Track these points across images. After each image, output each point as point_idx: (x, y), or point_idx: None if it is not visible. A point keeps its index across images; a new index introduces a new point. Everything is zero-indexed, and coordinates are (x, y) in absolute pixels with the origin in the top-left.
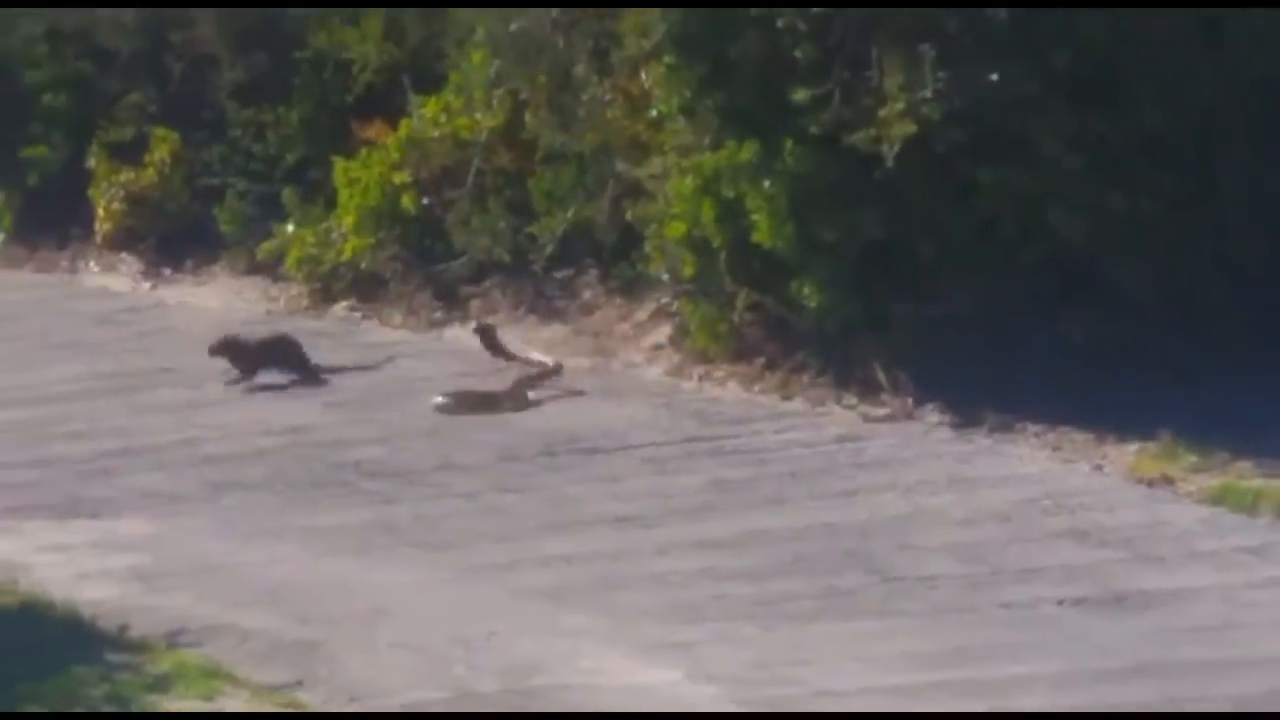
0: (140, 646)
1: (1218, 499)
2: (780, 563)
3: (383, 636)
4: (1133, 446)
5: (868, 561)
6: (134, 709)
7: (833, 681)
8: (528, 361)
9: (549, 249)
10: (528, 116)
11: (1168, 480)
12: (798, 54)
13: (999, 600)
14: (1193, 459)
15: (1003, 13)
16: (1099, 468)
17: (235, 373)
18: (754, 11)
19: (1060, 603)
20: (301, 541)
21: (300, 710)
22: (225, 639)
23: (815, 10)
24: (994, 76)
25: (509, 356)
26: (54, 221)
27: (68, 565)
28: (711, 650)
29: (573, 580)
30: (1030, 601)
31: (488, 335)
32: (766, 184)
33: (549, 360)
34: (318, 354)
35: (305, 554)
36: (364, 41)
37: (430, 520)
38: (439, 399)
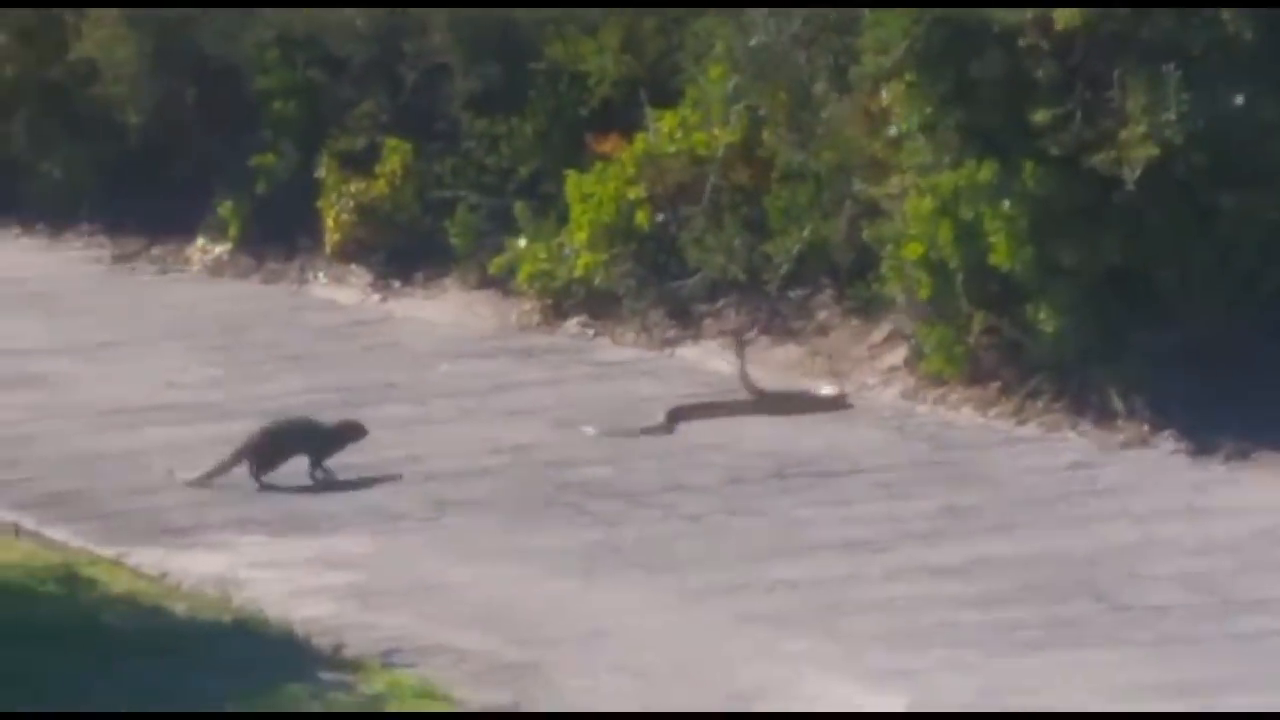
0: (354, 665)
1: None
2: (1009, 590)
3: (602, 659)
4: None
5: (1097, 590)
6: None
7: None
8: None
9: (784, 268)
10: (765, 133)
11: None
12: (1039, 73)
13: (1229, 632)
14: None
15: (1249, 32)
16: None
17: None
18: (996, 29)
19: None
20: (523, 562)
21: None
22: (441, 659)
23: (1058, 29)
24: (1239, 99)
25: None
26: (282, 231)
27: (283, 581)
28: (937, 678)
29: (798, 605)
30: (1261, 633)
31: (739, 340)
32: (1005, 205)
33: (832, 390)
34: (547, 368)
35: (526, 574)
36: (601, 54)
37: (655, 542)
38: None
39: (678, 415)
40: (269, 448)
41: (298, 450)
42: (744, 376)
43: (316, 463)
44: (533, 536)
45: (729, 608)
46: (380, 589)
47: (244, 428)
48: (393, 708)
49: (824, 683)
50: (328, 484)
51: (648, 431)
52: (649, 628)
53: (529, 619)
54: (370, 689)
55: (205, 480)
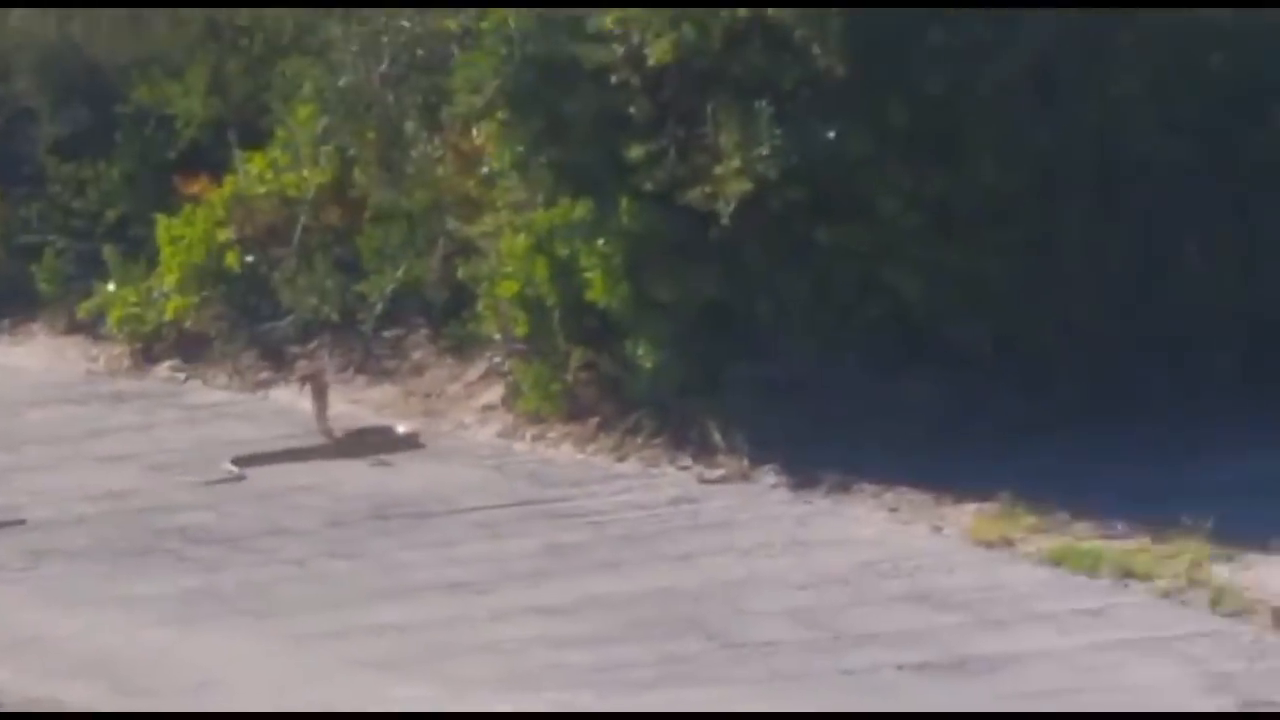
0: None
1: (1058, 560)
2: (617, 629)
3: (209, 707)
4: (971, 507)
5: (705, 627)
6: None
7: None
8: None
9: (378, 308)
10: (356, 173)
11: (1007, 542)
12: (632, 110)
13: (839, 666)
14: (1032, 520)
15: (840, 69)
16: (938, 529)
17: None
18: (588, 67)
19: (900, 668)
20: (124, 610)
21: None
22: (43, 711)
23: (649, 65)
24: (831, 134)
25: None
26: None
27: None
28: None
29: (406, 649)
30: (870, 667)
31: (317, 383)
32: (601, 242)
33: (402, 428)
34: (139, 413)
35: (129, 623)
36: (187, 95)
37: (258, 587)
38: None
39: (250, 462)
40: None
41: None
42: (320, 419)
43: None
44: (133, 584)
45: (337, 653)
46: None
47: None
48: None
49: None
50: None
51: (221, 481)
52: (256, 676)
53: (134, 669)
54: None
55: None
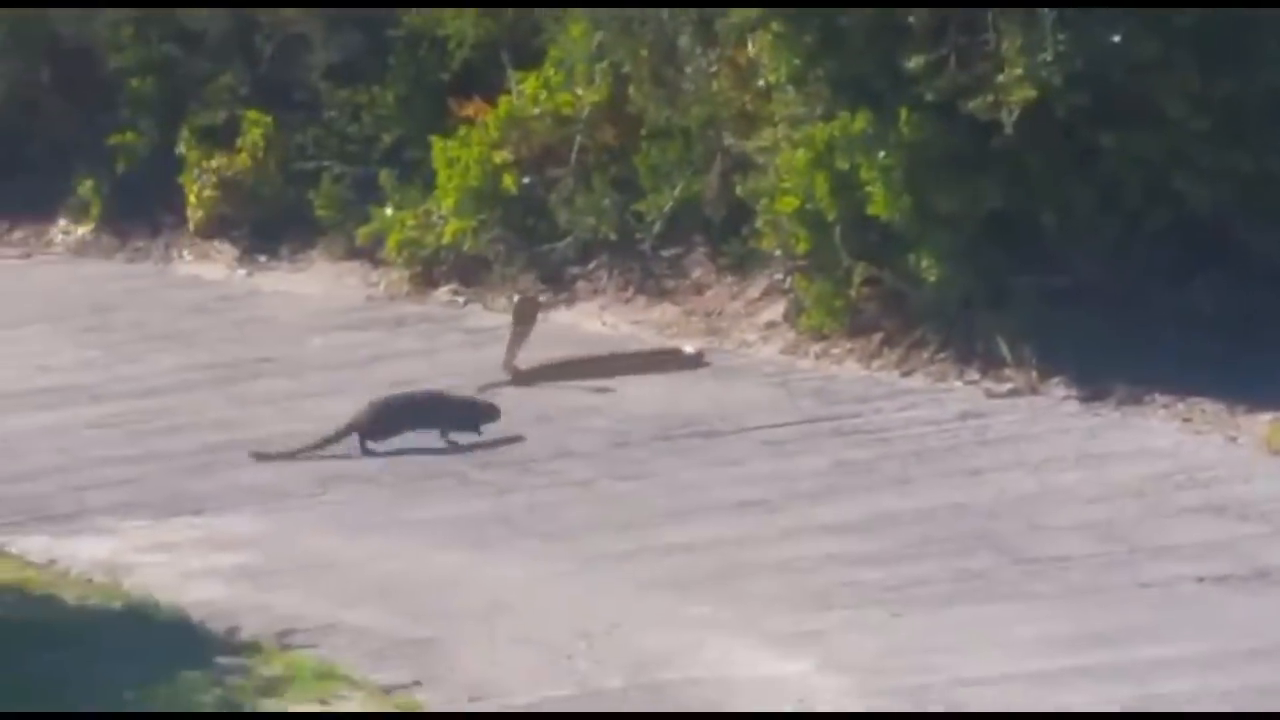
0: (251, 648)
1: None
2: (909, 546)
3: (502, 632)
4: (1266, 416)
5: (998, 542)
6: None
7: (969, 669)
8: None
9: (656, 227)
10: (631, 90)
11: None
12: (911, 19)
13: (1136, 580)
14: None
15: None
16: (1232, 439)
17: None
18: None
19: (1200, 580)
20: (413, 535)
21: (414, 711)
22: (338, 638)
23: None
24: (1116, 38)
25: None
26: (145, 210)
27: (172, 565)
28: (842, 639)
29: (696, 569)
30: (1169, 580)
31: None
32: (881, 155)
33: (689, 348)
34: (420, 338)
35: (417, 548)
36: (459, 17)
37: (546, 510)
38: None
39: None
40: (380, 422)
41: (420, 425)
42: (510, 351)
43: (445, 433)
44: (420, 509)
45: (627, 574)
46: (271, 569)
47: (107, 411)
48: (293, 691)
49: (727, 648)
50: (209, 466)
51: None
52: (547, 598)
53: (424, 594)
54: (268, 671)
55: (296, 455)
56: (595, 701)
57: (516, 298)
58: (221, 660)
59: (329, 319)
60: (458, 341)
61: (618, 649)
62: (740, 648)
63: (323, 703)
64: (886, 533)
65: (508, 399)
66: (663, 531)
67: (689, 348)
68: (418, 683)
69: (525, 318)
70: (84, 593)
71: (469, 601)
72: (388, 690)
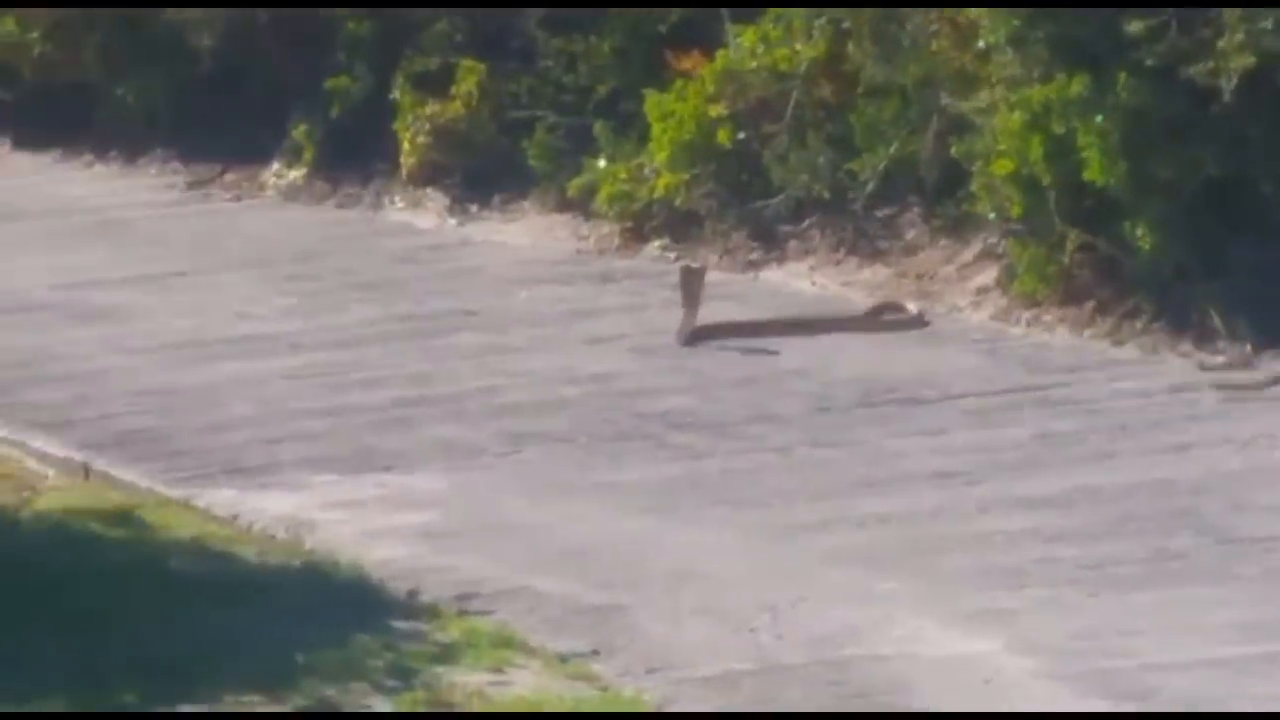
0: (429, 612)
1: None
2: (1109, 523)
3: (686, 602)
4: None
5: (1201, 522)
6: (417, 682)
7: (1163, 654)
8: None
9: (870, 186)
10: (850, 47)
11: None
12: None
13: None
14: None
15: None
16: None
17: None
18: None
19: None
20: (602, 499)
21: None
22: (519, 604)
23: None
24: None
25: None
26: (357, 155)
27: (356, 522)
28: (1034, 619)
29: (888, 542)
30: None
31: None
32: (1099, 119)
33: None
34: (627, 294)
35: (605, 512)
36: None
37: (740, 476)
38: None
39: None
40: None
41: None
42: (687, 317)
43: None
44: (613, 471)
45: (817, 545)
46: (454, 530)
47: (304, 362)
48: (468, 658)
49: (916, 625)
50: (402, 421)
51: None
52: (733, 567)
53: (608, 560)
54: (445, 637)
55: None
56: (776, 676)
57: (681, 266)
58: (397, 624)
59: (537, 271)
60: (665, 299)
61: (802, 623)
62: (928, 625)
63: (497, 671)
64: (1086, 509)
65: (710, 360)
66: (858, 502)
67: (912, 306)
68: (596, 652)
69: (691, 287)
70: (264, 549)
71: (655, 569)
72: (564, 659)
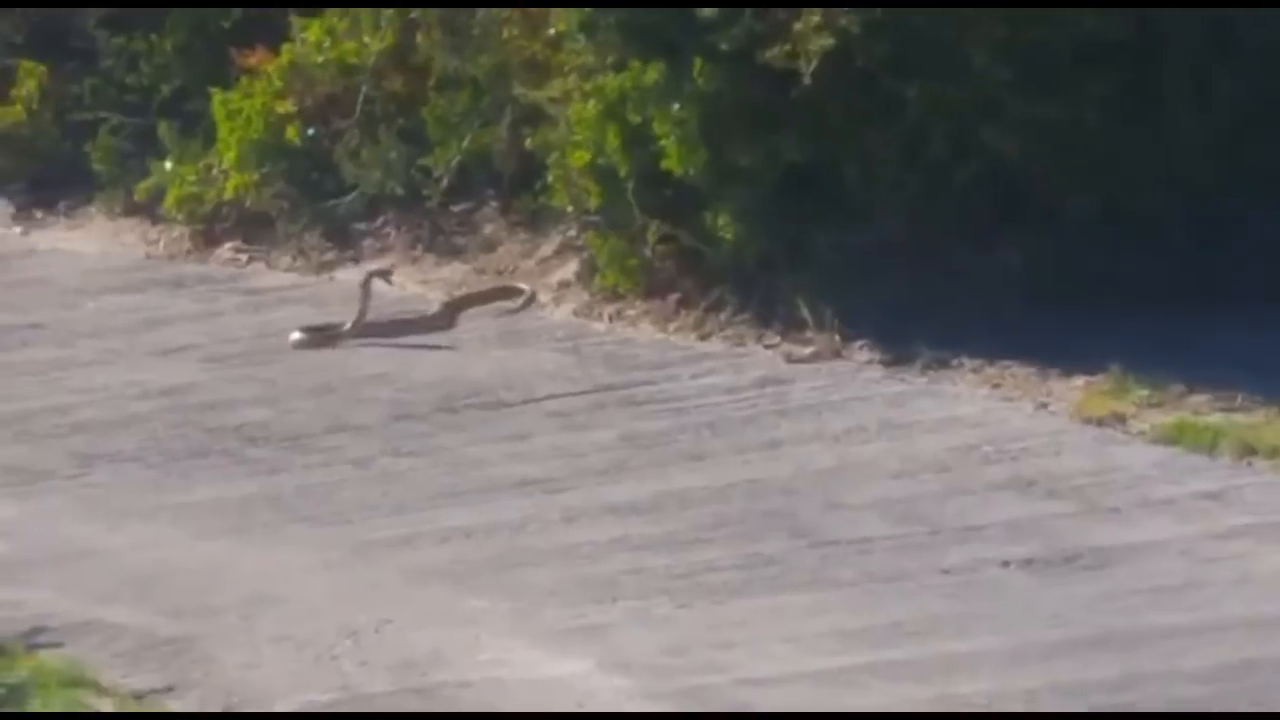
0: None
1: (1173, 438)
2: (700, 528)
3: (264, 629)
4: (1079, 381)
5: (795, 524)
6: None
7: (756, 667)
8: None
9: (444, 181)
10: (419, 38)
11: (1118, 418)
12: None
13: (939, 565)
14: (1144, 393)
15: None
16: (1043, 405)
17: None
18: None
19: (1006, 565)
20: (176, 521)
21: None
22: (91, 638)
23: None
24: None
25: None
26: None
27: None
28: (625, 634)
29: (473, 557)
30: (973, 564)
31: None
32: (675, 107)
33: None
34: (199, 300)
35: (180, 535)
36: None
37: (319, 491)
38: (296, 334)
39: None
40: None
41: None
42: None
43: None
44: (186, 491)
45: (401, 562)
46: (21, 560)
47: None
48: (37, 699)
49: (503, 645)
50: None
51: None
52: (314, 590)
53: (182, 587)
54: (12, 677)
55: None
56: (358, 705)
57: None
58: None
59: (105, 280)
60: (238, 304)
61: (387, 647)
62: (518, 646)
63: (69, 714)
64: (676, 514)
65: (285, 368)
66: (441, 514)
67: (524, 286)
68: (170, 688)
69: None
70: None
71: (230, 595)
72: (139, 696)
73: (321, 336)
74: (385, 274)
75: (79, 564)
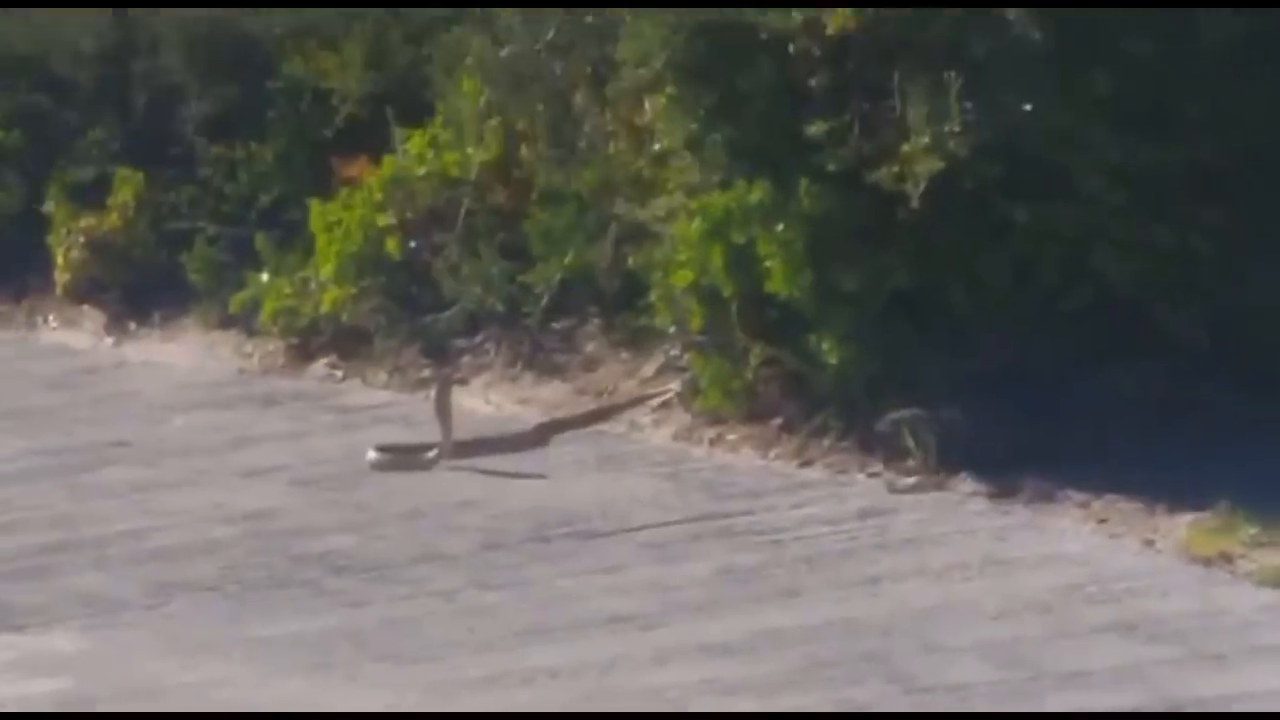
0: None
1: None
2: (793, 670)
3: None
4: (1187, 517)
5: (891, 667)
6: None
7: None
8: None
9: (545, 298)
10: (523, 150)
11: (1226, 558)
12: (812, 83)
13: (1042, 712)
14: (1254, 531)
15: (1036, 34)
16: (1150, 543)
17: None
18: (764, 36)
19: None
20: (254, 657)
21: None
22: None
23: (830, 33)
24: (1027, 106)
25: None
26: (10, 272)
27: None
28: None
29: (558, 699)
30: (1073, 713)
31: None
32: (780, 227)
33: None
34: (290, 418)
35: (257, 673)
36: (344, 69)
37: (402, 626)
38: (372, 454)
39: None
40: None
41: None
42: (444, 434)
43: None
44: (265, 624)
45: (483, 703)
46: (92, 696)
47: None
48: None
49: None
50: (42, 571)
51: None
52: None
53: None
54: None
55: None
56: None
57: (436, 385)
58: None
59: (196, 395)
60: (330, 423)
61: None
62: None
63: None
64: (770, 654)
65: (375, 492)
66: (527, 652)
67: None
68: None
69: (443, 401)
70: None
71: None
72: None
73: (403, 457)
74: (453, 380)
75: (149, 703)
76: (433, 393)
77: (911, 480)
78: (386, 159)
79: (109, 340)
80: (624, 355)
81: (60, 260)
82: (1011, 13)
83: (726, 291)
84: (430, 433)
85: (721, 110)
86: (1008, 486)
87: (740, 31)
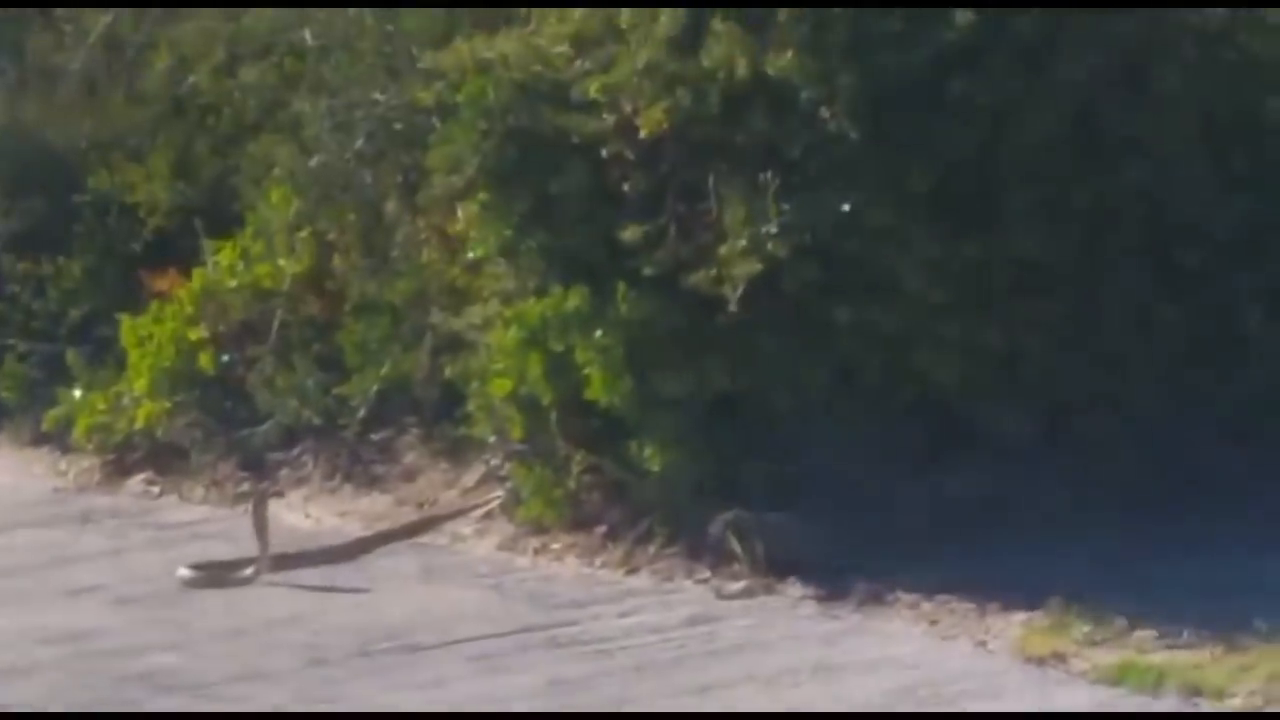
0: None
1: (1117, 678)
2: None
3: None
4: (1020, 616)
5: None
6: None
7: None
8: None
9: (362, 409)
10: (335, 260)
11: (1059, 657)
12: (626, 186)
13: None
14: (1086, 629)
15: (853, 133)
16: (982, 644)
17: None
18: (577, 140)
19: None
20: None
21: None
22: None
23: (643, 136)
24: (845, 205)
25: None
26: None
27: None
28: None
29: None
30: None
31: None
32: (598, 334)
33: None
34: (108, 535)
35: None
36: (151, 181)
37: None
38: (184, 571)
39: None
40: None
41: None
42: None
43: None
44: None
45: None
46: None
47: None
48: None
49: None
50: None
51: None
52: None
53: None
54: None
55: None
56: None
57: (253, 499)
58: None
59: (12, 514)
60: (148, 540)
61: None
62: None
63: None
64: None
65: (195, 609)
66: None
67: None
68: None
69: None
70: None
71: None
72: None
73: (218, 574)
74: (270, 494)
75: None
76: (250, 507)
77: (739, 585)
78: (197, 272)
79: None
80: (444, 465)
81: None
82: (826, 111)
83: (545, 400)
84: (250, 547)
85: (535, 216)
86: (837, 589)
87: (552, 136)
